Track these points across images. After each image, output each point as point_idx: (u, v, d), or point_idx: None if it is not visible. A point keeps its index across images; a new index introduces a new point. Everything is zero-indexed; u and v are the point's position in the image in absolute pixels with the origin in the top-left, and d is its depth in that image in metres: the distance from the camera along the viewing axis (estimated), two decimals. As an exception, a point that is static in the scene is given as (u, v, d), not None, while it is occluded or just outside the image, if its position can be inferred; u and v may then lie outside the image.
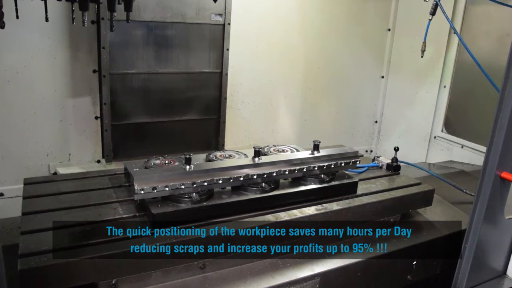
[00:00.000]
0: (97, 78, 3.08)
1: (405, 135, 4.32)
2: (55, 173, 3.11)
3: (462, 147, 3.78)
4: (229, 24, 3.30)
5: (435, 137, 4.05)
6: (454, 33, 3.15)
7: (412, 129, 3.89)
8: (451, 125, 3.99)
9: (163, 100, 3.30)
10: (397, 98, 4.42)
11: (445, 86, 3.93)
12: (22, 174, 3.02)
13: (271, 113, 3.95)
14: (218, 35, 3.31)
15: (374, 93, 4.54)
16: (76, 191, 2.02)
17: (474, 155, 3.64)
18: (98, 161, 3.23)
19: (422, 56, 3.20)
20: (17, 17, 2.10)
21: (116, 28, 2.78)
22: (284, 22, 3.77)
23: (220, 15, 3.25)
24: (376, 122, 4.60)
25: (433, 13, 3.01)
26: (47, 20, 2.24)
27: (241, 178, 1.92)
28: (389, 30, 4.37)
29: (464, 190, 2.73)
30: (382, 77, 4.51)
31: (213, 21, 3.21)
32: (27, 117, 2.96)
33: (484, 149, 2.69)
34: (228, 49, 3.37)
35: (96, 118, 3.17)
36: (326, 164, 2.14)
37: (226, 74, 3.46)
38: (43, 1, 2.22)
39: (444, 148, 3.94)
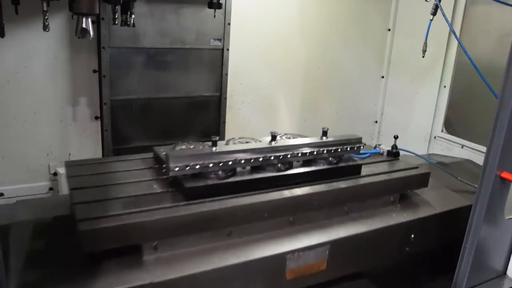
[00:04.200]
0: (97, 78, 3.08)
1: (405, 135, 4.32)
2: (55, 173, 3.11)
3: (462, 147, 3.78)
4: (227, 49, 3.41)
5: (435, 137, 4.05)
6: (455, 37, 3.16)
7: (412, 129, 3.89)
8: (451, 125, 3.99)
9: (163, 123, 3.38)
10: (397, 98, 4.42)
11: (445, 86, 3.93)
12: (22, 174, 3.03)
13: (271, 113, 3.95)
14: (217, 59, 3.43)
15: (374, 93, 4.54)
16: (112, 171, 2.26)
17: (474, 155, 3.64)
18: (98, 161, 3.24)
19: (423, 56, 3.20)
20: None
21: (117, 54, 2.99)
22: (284, 22, 3.77)
23: (219, 40, 3.33)
24: (376, 122, 4.60)
25: (434, 13, 3.01)
26: (44, 29, 2.26)
27: (260, 159, 2.17)
28: (389, 30, 4.37)
29: (459, 178, 2.98)
30: (382, 77, 4.51)
31: (212, 46, 3.35)
32: (27, 117, 2.96)
33: (484, 149, 2.69)
34: (227, 74, 3.48)
35: (96, 118, 3.17)
36: (334, 148, 2.40)
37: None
38: (43, 3, 2.23)
39: (444, 148, 3.94)
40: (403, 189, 2.61)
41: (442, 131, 4.00)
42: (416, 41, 3.38)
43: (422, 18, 3.26)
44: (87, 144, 3.19)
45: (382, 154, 2.86)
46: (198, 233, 1.93)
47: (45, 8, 2.23)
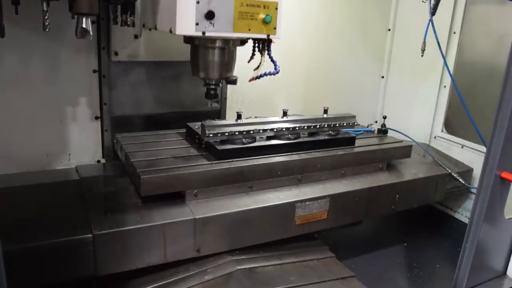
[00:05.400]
0: (97, 78, 3.08)
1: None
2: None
3: (462, 147, 3.78)
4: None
5: (435, 137, 4.05)
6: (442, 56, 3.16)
7: (412, 129, 3.89)
8: (451, 125, 3.98)
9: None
10: (397, 98, 4.42)
11: (445, 86, 3.92)
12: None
13: (271, 113, 3.93)
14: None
15: (374, 93, 4.54)
16: (156, 141, 2.90)
17: (474, 155, 3.64)
18: (98, 161, 3.23)
19: (422, 56, 3.20)
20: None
21: (119, 121, 3.16)
22: (284, 22, 3.76)
23: (217, 101, 3.37)
24: (376, 122, 4.59)
25: (433, 13, 3.02)
26: (44, 29, 2.26)
27: (275, 130, 2.81)
28: (389, 30, 4.36)
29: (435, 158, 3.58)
30: (382, 77, 4.50)
31: (210, 108, 3.38)
32: (27, 117, 2.95)
33: (484, 149, 2.69)
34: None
35: (96, 118, 3.17)
36: (333, 122, 3.03)
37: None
38: (43, 3, 2.22)
39: (444, 148, 3.94)
40: (389, 158, 3.22)
41: (442, 131, 4.00)
42: (416, 41, 3.38)
43: (422, 18, 3.26)
44: (87, 144, 3.19)
45: (373, 131, 3.50)
46: (227, 185, 2.53)
47: (45, 8, 2.23)
